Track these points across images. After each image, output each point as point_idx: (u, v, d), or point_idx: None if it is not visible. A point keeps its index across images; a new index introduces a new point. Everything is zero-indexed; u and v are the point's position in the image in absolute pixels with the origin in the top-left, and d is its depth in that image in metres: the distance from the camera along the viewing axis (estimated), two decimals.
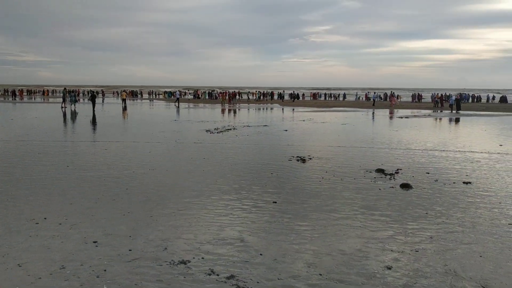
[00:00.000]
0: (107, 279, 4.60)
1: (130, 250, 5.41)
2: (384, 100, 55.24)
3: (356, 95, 78.59)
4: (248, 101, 62.14)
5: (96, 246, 5.54)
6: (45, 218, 6.59)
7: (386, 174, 10.20)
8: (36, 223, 6.37)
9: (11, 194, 8.09)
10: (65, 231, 6.06)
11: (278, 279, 4.70)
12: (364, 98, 70.08)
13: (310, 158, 12.27)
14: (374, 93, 59.78)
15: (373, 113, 36.98)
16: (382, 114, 35.53)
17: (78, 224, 6.38)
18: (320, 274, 4.81)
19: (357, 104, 54.73)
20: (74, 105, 39.84)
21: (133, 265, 4.96)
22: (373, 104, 49.77)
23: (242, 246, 5.63)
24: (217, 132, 19.22)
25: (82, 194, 8.15)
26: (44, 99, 67.80)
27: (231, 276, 4.73)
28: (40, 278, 4.60)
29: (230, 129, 20.66)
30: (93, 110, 33.76)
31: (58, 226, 6.28)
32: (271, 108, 44.53)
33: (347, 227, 6.43)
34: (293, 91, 75.18)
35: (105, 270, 4.81)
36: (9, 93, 77.55)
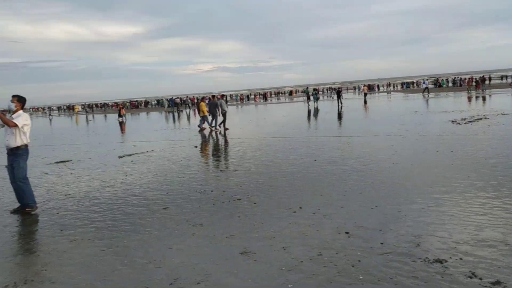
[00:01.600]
0: (362, 270, 4.75)
1: (381, 243, 5.46)
2: None
3: None
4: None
5: (349, 237, 5.78)
6: (300, 208, 7.25)
7: None
8: (294, 212, 7.06)
9: (273, 185, 9.16)
10: (319, 221, 6.53)
11: None
12: None
13: None
14: None
15: None
16: None
17: (330, 214, 6.78)
18: None
19: None
20: (317, 102, 42.58)
21: (385, 259, 4.99)
22: None
23: (507, 250, 5.00)
24: (465, 123, 17.56)
25: (330, 186, 8.63)
26: (289, 99, 74.61)
27: (497, 282, 4.26)
28: (302, 262, 5.08)
29: (481, 119, 18.59)
30: (339, 105, 36.07)
31: (312, 215, 6.81)
32: None
33: None
34: None
35: (359, 261, 4.98)
36: (260, 96, 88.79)
